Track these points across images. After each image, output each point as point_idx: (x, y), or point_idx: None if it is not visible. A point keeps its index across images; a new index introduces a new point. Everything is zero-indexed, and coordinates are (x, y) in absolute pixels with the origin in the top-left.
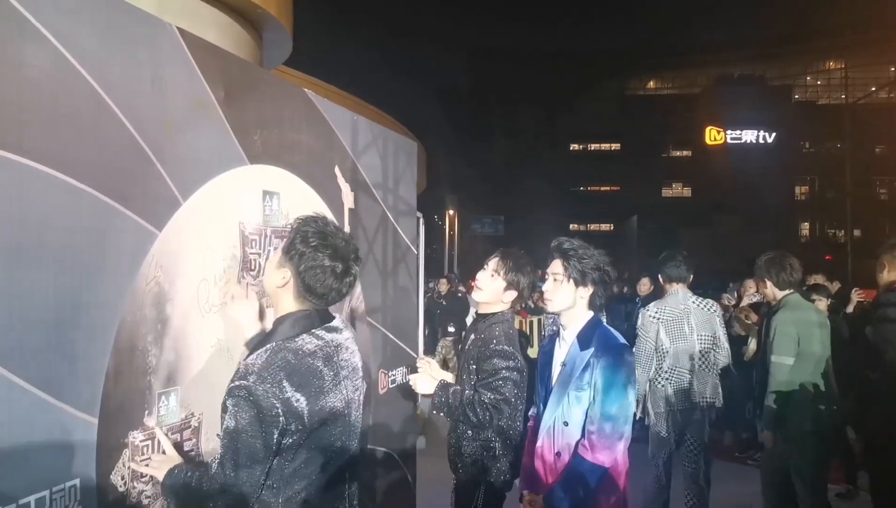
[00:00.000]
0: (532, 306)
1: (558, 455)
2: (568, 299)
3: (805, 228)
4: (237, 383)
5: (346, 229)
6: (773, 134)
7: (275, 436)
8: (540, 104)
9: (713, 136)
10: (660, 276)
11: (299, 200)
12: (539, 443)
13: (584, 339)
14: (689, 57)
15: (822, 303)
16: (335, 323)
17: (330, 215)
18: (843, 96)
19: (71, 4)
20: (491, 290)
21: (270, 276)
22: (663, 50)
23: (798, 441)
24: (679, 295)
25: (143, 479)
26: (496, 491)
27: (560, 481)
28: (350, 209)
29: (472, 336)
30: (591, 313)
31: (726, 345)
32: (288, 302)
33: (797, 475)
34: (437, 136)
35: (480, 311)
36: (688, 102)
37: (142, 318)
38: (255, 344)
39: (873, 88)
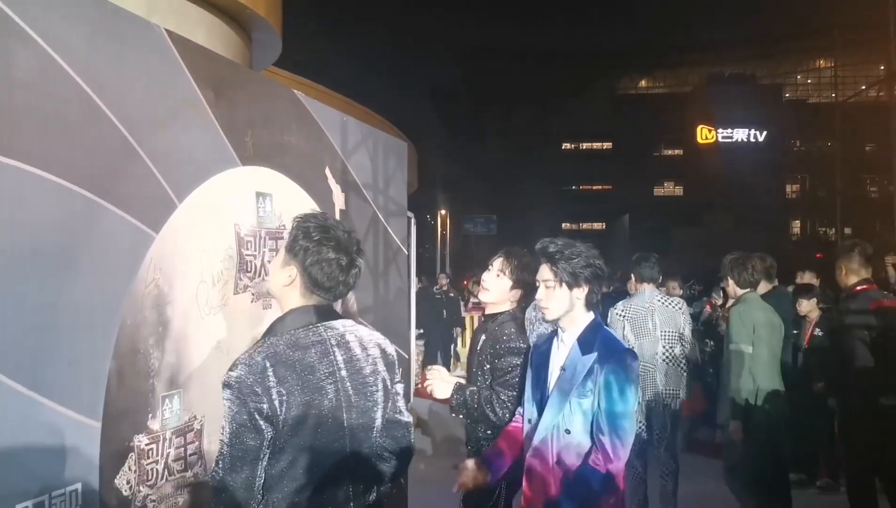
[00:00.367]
0: None
1: (558, 462)
2: (564, 304)
3: (796, 226)
4: (226, 375)
5: None
6: (764, 133)
7: (262, 427)
8: (532, 103)
9: (704, 135)
10: (632, 274)
11: (291, 201)
12: (533, 449)
13: (585, 343)
14: (680, 56)
15: (806, 304)
16: (340, 321)
17: None
18: (833, 95)
19: (59, 7)
20: (497, 290)
21: (276, 275)
22: (655, 49)
23: (755, 432)
24: (646, 294)
25: (149, 482)
26: (517, 489)
27: (566, 491)
28: (341, 210)
29: (483, 337)
30: (590, 315)
31: (691, 340)
32: (294, 299)
33: (757, 464)
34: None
35: (488, 311)
36: (679, 102)
37: (142, 321)
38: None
39: (863, 87)
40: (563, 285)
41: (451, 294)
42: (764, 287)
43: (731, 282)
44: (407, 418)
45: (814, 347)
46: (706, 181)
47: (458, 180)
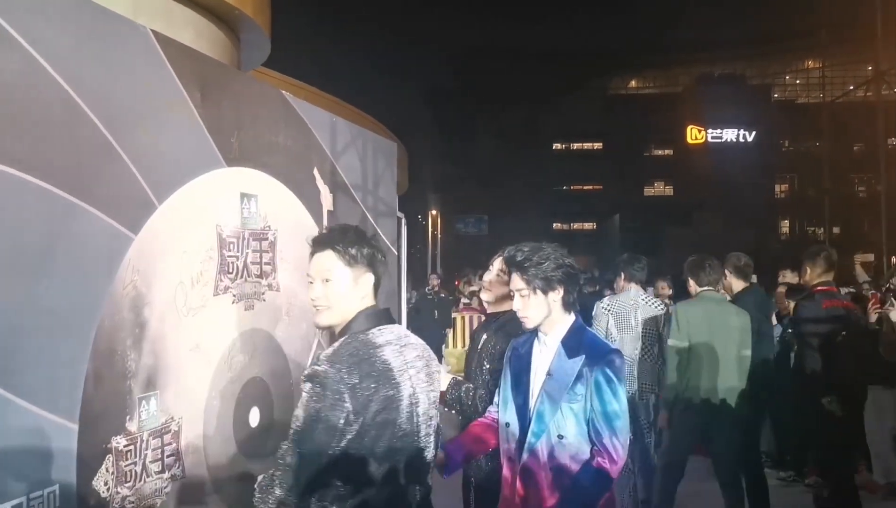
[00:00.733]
0: None
1: (553, 468)
2: (542, 311)
3: (785, 225)
4: (309, 370)
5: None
6: (754, 133)
7: (341, 421)
8: (523, 103)
9: (694, 135)
10: (622, 273)
11: (278, 202)
12: (525, 456)
13: (570, 347)
14: (670, 56)
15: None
16: (398, 325)
17: (308, 218)
18: (822, 95)
19: (42, 7)
20: (498, 290)
21: (355, 287)
22: (645, 50)
23: (682, 423)
24: (631, 292)
25: (127, 484)
26: (492, 497)
27: (566, 495)
28: (329, 211)
29: (484, 336)
30: (570, 317)
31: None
32: (355, 301)
33: (676, 452)
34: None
35: (490, 311)
36: (669, 102)
37: (120, 322)
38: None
39: (851, 87)
40: (538, 291)
41: (443, 295)
42: (739, 285)
43: (691, 282)
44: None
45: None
46: (696, 181)
47: (450, 180)
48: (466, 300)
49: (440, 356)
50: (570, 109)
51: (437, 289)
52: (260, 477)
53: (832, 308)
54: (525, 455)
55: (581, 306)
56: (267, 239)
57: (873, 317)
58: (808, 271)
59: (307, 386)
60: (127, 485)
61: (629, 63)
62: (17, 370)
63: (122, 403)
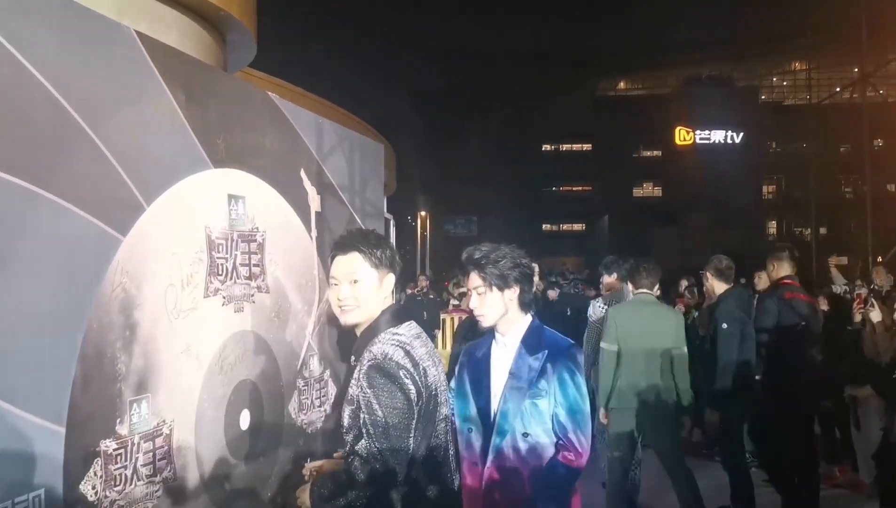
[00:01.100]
0: None
1: (521, 466)
2: (498, 308)
3: (772, 226)
4: (368, 365)
5: (314, 232)
6: (741, 134)
7: (414, 408)
8: (512, 105)
9: (682, 136)
10: (615, 274)
11: (265, 203)
12: (492, 457)
13: (530, 344)
14: (658, 58)
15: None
16: (412, 320)
17: (296, 219)
18: (808, 97)
19: (25, 8)
20: None
21: (380, 288)
22: (634, 51)
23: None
24: (626, 291)
25: (116, 487)
26: None
27: (538, 493)
28: (317, 212)
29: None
30: (527, 317)
31: None
32: (378, 302)
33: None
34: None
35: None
36: (657, 103)
37: (109, 324)
38: (359, 340)
39: (837, 89)
40: (494, 288)
41: (431, 296)
42: (721, 287)
43: (629, 285)
44: None
45: None
46: (684, 182)
47: (439, 181)
48: (456, 302)
49: None
50: (559, 111)
51: (425, 290)
52: (321, 481)
53: (794, 300)
54: (491, 457)
55: (573, 308)
56: (255, 241)
57: (858, 317)
58: (775, 266)
59: (370, 383)
60: (116, 489)
61: (618, 65)
62: (1, 373)
63: (112, 406)
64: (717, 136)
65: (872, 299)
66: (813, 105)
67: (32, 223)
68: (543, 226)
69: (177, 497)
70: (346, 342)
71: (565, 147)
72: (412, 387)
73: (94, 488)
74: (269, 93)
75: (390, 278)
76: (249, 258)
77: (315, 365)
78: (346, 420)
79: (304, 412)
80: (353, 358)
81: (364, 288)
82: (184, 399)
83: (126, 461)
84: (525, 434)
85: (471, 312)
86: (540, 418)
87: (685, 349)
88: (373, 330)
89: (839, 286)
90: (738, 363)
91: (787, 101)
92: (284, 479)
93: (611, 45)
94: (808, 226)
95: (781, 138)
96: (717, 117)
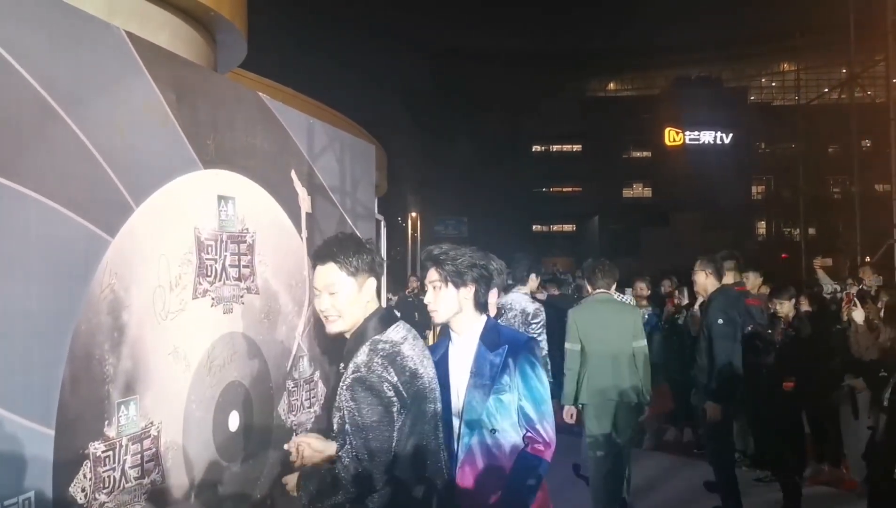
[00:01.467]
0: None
1: (492, 463)
2: (452, 305)
3: (761, 226)
4: (352, 378)
5: (304, 233)
6: (730, 135)
7: (395, 417)
8: (502, 106)
9: (672, 137)
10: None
11: (255, 204)
12: (460, 459)
13: (490, 341)
14: (648, 59)
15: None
16: (401, 321)
17: (287, 220)
18: (797, 98)
19: (14, 8)
20: None
21: (360, 293)
22: (623, 52)
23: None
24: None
25: (105, 490)
26: None
27: (511, 487)
28: (307, 213)
29: None
30: (483, 317)
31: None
32: (362, 306)
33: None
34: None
35: None
36: (647, 104)
37: (97, 326)
38: (348, 346)
39: (826, 90)
40: (449, 284)
41: (422, 297)
42: (714, 286)
43: (588, 286)
44: None
45: (784, 345)
46: (674, 183)
47: (429, 182)
48: None
49: None
50: (549, 112)
51: (416, 291)
52: (308, 477)
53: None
54: (461, 456)
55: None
56: (245, 242)
57: (846, 317)
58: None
59: (352, 395)
60: (105, 491)
61: (608, 66)
62: None
63: (100, 408)
64: (707, 136)
65: (856, 299)
66: (802, 106)
67: (20, 224)
68: (534, 227)
69: (165, 499)
70: (336, 343)
71: (556, 148)
72: (395, 398)
73: (83, 490)
74: (260, 93)
75: (371, 283)
76: (239, 260)
77: (305, 366)
78: (335, 426)
79: (294, 413)
80: (341, 365)
81: (342, 299)
82: (172, 401)
83: (114, 463)
84: (493, 431)
85: None
86: (506, 412)
87: (644, 342)
88: (359, 338)
89: (829, 288)
90: (725, 362)
91: (776, 101)
92: (274, 481)
93: (601, 47)
94: (797, 226)
95: (770, 139)
96: (706, 118)
